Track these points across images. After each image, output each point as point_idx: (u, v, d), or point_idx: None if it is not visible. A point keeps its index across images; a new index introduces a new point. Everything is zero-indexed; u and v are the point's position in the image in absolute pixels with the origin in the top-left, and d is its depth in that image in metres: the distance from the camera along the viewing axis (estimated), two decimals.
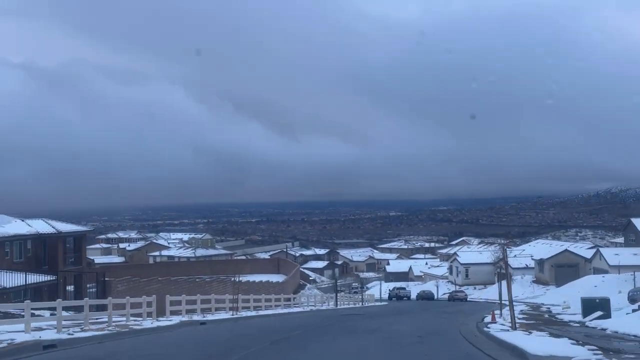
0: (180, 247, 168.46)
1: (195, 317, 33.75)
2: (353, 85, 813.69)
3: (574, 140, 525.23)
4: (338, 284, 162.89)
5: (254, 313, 42.94)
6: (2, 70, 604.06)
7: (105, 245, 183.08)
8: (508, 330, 25.53)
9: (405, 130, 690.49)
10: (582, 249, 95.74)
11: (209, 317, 35.92)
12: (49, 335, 22.87)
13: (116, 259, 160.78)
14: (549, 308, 58.67)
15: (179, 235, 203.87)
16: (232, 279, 43.85)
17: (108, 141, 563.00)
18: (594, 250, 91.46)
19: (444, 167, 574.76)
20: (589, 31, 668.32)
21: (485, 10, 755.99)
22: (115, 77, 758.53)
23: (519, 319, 40.63)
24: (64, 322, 29.53)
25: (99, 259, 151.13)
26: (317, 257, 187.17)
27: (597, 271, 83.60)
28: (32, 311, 30.95)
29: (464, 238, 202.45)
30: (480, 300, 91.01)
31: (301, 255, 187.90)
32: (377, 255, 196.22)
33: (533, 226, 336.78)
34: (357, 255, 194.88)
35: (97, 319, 30.22)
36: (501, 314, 39.72)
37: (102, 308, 35.18)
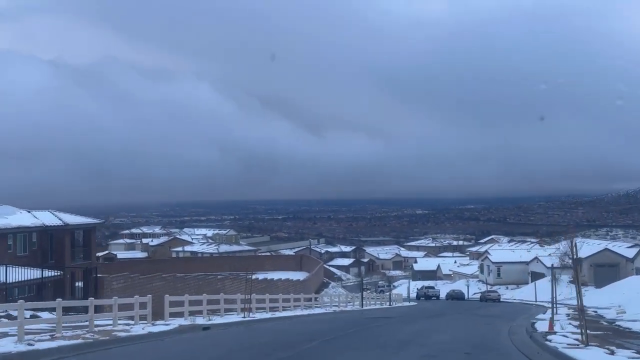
0: (204, 243, 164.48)
1: (199, 321, 28.79)
2: (380, 83, 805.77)
3: (604, 138, 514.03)
4: (364, 282, 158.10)
5: (269, 315, 37.96)
6: (32, 67, 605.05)
7: (129, 241, 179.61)
8: (578, 345, 20.18)
9: (432, 129, 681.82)
10: (622, 248, 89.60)
11: (217, 319, 30.97)
12: (5, 346, 18.05)
13: (139, 254, 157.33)
14: (596, 311, 52.95)
15: (203, 231, 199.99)
16: (248, 276, 38.83)
17: (137, 138, 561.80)
18: (636, 250, 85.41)
19: (471, 165, 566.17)
20: (620, 29, 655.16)
21: (513, 9, 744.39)
22: (143, 74, 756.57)
23: (572, 326, 35.38)
24: (40, 326, 24.89)
25: (122, 254, 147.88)
26: (343, 255, 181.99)
27: None
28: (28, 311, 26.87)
29: (492, 236, 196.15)
30: (514, 300, 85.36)
31: (326, 252, 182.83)
32: (404, 253, 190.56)
33: (561, 225, 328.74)
34: (384, 253, 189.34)
35: (78, 324, 25.38)
36: (552, 319, 34.24)
37: (99, 309, 30.45)
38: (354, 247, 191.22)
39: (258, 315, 36.64)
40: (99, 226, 67.23)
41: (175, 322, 26.91)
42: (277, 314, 39.32)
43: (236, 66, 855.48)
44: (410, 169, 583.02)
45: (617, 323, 36.38)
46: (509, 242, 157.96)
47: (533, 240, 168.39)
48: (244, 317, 34.85)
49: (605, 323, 37.40)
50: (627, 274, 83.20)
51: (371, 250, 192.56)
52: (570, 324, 39.48)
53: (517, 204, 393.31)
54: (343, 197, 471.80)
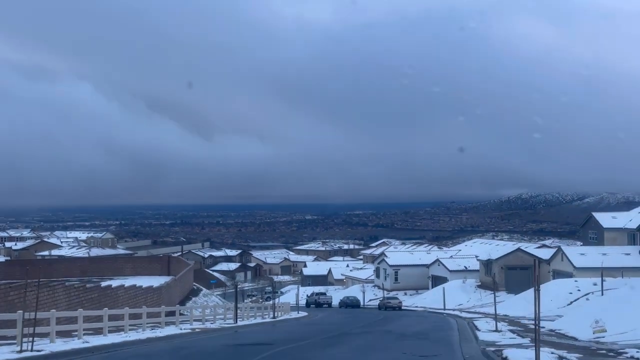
0: (74, 247, 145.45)
1: None
2: (270, 87, 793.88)
3: (489, 145, 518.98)
4: (249, 287, 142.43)
5: (77, 344, 22.61)
6: None
7: None
8: None
9: (322, 134, 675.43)
10: (534, 249, 78.36)
11: None
12: None
13: (0, 258, 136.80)
14: (536, 322, 39.96)
15: (77, 234, 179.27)
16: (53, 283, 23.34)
17: (17, 139, 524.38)
18: (548, 251, 74.30)
19: (360, 170, 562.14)
20: (505, 35, 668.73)
21: (398, 13, 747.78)
22: (22, 72, 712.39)
23: (527, 343, 22.37)
24: None
25: None
26: (228, 259, 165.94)
27: (559, 275, 66.24)
28: None
29: (384, 240, 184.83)
30: (417, 308, 72.45)
31: (210, 256, 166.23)
32: (293, 257, 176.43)
33: (447, 230, 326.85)
34: (272, 257, 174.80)
35: None
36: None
37: None
38: (240, 251, 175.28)
39: (57, 345, 21.38)
40: None
41: None
42: (94, 340, 23.89)
43: (121, 67, 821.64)
44: (300, 173, 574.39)
45: (606, 346, 23.20)
46: (402, 245, 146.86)
47: (424, 243, 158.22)
48: (20, 351, 19.52)
49: (577, 343, 24.20)
50: (542, 276, 71.86)
51: (258, 254, 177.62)
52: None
53: (404, 209, 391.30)
54: (232, 202, 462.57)
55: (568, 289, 55.48)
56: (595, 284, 55.82)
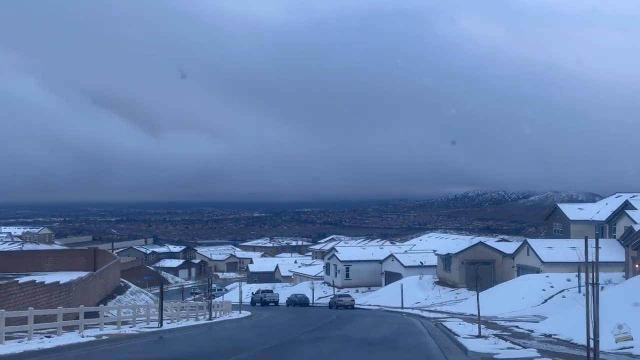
0: (7, 242, 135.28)
1: None
2: (220, 84, 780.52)
3: (437, 144, 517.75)
4: (192, 285, 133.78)
5: None
6: None
7: None
8: None
9: (271, 131, 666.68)
10: (494, 242, 72.44)
11: None
12: None
13: None
14: (516, 326, 33.51)
15: (12, 229, 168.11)
16: None
17: None
18: (511, 245, 68.50)
19: (309, 168, 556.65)
20: (453, 33, 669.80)
21: (348, 10, 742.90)
22: None
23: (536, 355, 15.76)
24: None
25: None
26: (172, 255, 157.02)
27: (525, 270, 60.32)
28: None
29: (333, 236, 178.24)
30: (371, 307, 65.80)
31: (153, 252, 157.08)
32: (240, 253, 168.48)
33: (395, 228, 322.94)
34: (218, 253, 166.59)
35: None
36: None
37: None
38: (184, 248, 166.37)
39: None
40: None
41: None
42: None
43: (66, 63, 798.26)
44: (249, 171, 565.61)
45: None
46: (352, 240, 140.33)
47: (375, 239, 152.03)
48: None
49: None
50: (503, 272, 66.00)
51: (203, 250, 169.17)
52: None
53: (352, 207, 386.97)
54: (180, 199, 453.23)
55: (540, 285, 49.43)
56: (569, 280, 49.96)
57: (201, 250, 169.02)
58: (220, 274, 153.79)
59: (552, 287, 48.65)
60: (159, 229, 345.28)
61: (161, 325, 32.24)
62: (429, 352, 20.57)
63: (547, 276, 51.25)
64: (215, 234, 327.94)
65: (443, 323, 35.47)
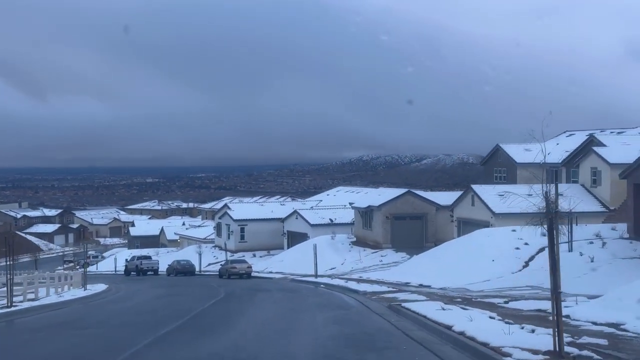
0: None
1: None
2: (106, 44, 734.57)
3: (332, 107, 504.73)
4: (70, 252, 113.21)
5: None
6: None
7: None
8: None
9: (165, 94, 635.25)
10: (428, 193, 57.28)
11: None
12: None
13: None
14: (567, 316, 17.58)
15: None
16: None
17: None
18: (449, 195, 53.68)
19: (204, 132, 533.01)
20: None
21: None
22: None
23: None
24: None
25: None
26: (47, 220, 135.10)
27: (468, 225, 45.65)
28: None
29: (227, 198, 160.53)
30: (273, 275, 49.52)
31: (24, 217, 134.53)
32: (125, 217, 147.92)
33: (291, 192, 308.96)
34: (100, 217, 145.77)
35: None
36: None
37: None
38: (60, 211, 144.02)
39: None
40: None
41: None
42: None
43: None
44: (141, 135, 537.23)
45: None
46: (247, 198, 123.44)
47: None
48: None
49: None
50: (438, 228, 51.17)
51: (84, 214, 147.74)
52: None
53: (248, 172, 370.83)
54: (70, 165, 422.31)
55: (509, 242, 34.34)
56: (543, 234, 35.25)
57: (81, 214, 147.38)
58: (102, 240, 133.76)
59: (526, 244, 33.76)
60: (47, 196, 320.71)
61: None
62: None
63: (514, 230, 36.23)
64: (107, 200, 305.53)
65: (407, 306, 19.48)
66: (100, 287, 37.88)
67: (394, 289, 28.15)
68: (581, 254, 29.76)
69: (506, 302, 20.92)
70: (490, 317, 16.49)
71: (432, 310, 18.05)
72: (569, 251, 31.07)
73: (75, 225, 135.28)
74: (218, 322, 17.47)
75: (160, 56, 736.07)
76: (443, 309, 18.18)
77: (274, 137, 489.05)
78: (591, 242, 31.87)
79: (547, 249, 29.34)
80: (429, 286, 29.82)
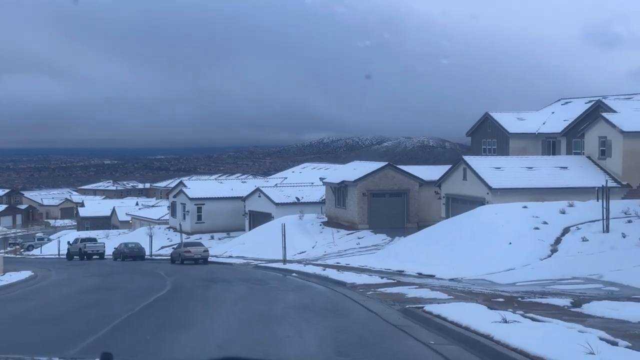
0: None
1: None
2: (62, 21, 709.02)
3: (293, 89, 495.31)
4: (12, 234, 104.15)
5: None
6: None
7: None
8: None
9: (123, 74, 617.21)
10: (409, 167, 50.26)
11: None
12: None
13: None
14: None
15: None
16: None
17: None
18: (435, 169, 47.01)
19: (162, 113, 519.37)
20: None
21: None
22: None
23: None
24: None
25: None
26: None
27: (461, 202, 39.02)
28: None
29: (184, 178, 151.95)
30: (233, 260, 42.28)
31: None
32: (77, 198, 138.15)
33: (251, 173, 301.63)
34: (50, 198, 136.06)
35: None
36: None
37: None
38: (7, 191, 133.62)
39: None
40: None
41: None
42: None
43: None
44: (98, 116, 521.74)
45: None
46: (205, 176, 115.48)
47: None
48: None
49: None
50: (421, 206, 44.51)
51: (33, 195, 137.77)
52: None
53: (207, 154, 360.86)
54: (25, 146, 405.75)
55: (523, 221, 27.67)
56: (563, 212, 28.68)
57: (30, 194, 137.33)
58: (52, 221, 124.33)
59: (545, 223, 27.12)
60: (1, 177, 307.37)
61: None
62: None
63: (525, 207, 29.60)
64: (63, 182, 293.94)
65: (437, 313, 12.54)
66: (24, 274, 30.26)
67: (391, 280, 21.21)
68: (624, 236, 23.26)
69: (574, 305, 14.08)
70: (602, 339, 9.62)
71: (485, 321, 11.14)
72: (604, 232, 24.60)
73: (24, 206, 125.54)
74: (140, 348, 10.28)
75: (118, 37, 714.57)
76: (505, 321, 11.22)
77: (233, 119, 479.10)
78: (629, 221, 25.36)
79: (572, 230, 22.35)
80: (432, 276, 22.97)
